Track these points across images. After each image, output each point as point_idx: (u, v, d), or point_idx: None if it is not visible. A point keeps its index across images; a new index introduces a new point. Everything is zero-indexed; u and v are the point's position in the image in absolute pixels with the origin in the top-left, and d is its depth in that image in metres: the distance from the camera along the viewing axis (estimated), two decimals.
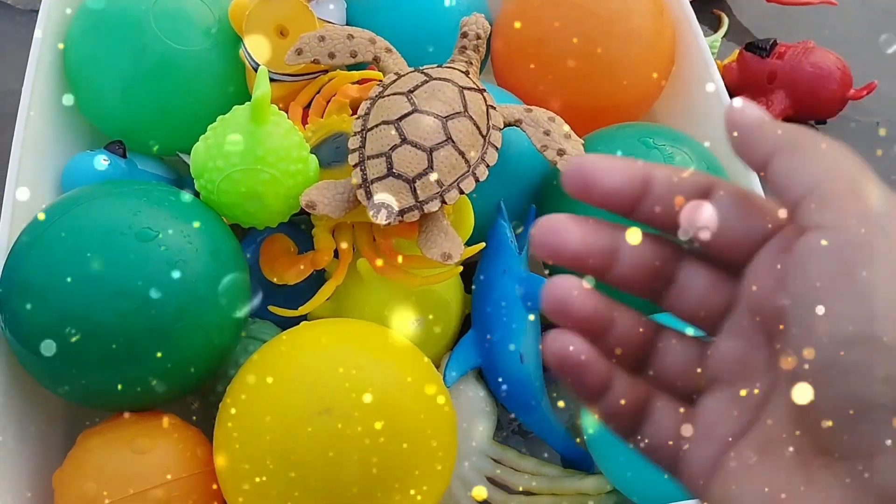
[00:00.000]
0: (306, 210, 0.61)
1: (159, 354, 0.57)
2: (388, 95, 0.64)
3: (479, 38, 0.67)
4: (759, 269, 0.35)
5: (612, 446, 0.63)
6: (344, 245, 0.66)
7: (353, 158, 0.62)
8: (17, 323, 0.57)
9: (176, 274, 0.57)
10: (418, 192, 0.62)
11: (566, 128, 0.67)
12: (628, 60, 0.73)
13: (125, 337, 0.56)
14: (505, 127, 0.66)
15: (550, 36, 0.73)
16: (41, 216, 0.60)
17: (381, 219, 0.60)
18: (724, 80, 0.75)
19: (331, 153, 0.66)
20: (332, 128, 0.68)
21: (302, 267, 0.65)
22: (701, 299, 0.36)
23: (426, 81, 0.64)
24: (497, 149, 0.65)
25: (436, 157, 0.62)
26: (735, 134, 0.35)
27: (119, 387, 0.58)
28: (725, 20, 1.00)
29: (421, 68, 0.65)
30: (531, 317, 0.64)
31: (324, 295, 0.65)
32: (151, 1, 0.70)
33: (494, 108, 0.67)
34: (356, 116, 0.64)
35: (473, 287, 0.69)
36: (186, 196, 0.62)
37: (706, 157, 0.69)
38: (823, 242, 0.31)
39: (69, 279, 0.55)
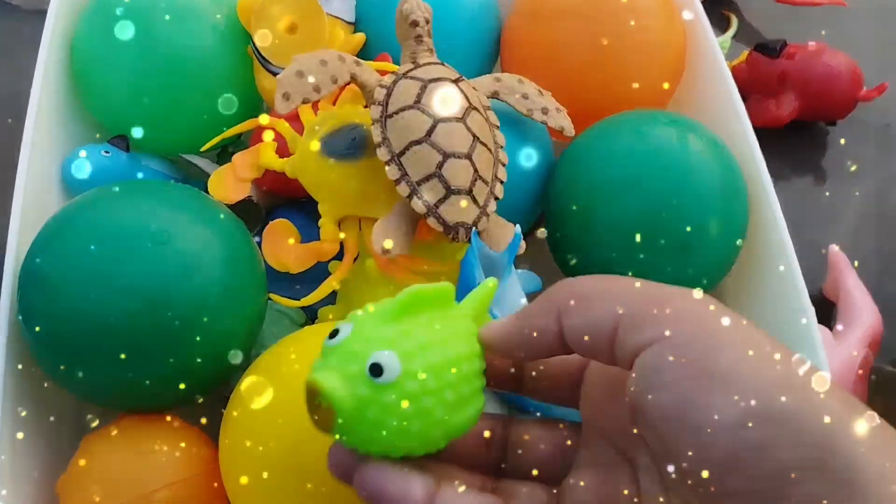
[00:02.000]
0: (383, 255, 0.60)
1: (166, 358, 0.56)
2: (399, 112, 0.62)
3: (428, 22, 0.66)
4: (595, 405, 0.36)
5: None
6: (349, 239, 0.65)
7: (402, 189, 0.61)
8: (31, 313, 0.57)
9: (187, 279, 0.56)
10: (477, 199, 0.62)
11: (534, 86, 0.69)
12: (638, 67, 0.73)
13: (132, 337, 0.55)
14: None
15: (561, 44, 0.73)
16: (62, 211, 0.60)
17: (462, 238, 0.60)
18: (734, 81, 0.74)
19: (344, 145, 0.64)
20: (346, 117, 0.66)
21: (306, 256, 0.64)
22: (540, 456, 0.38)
23: (424, 87, 0.63)
24: (498, 127, 0.66)
25: (476, 160, 0.62)
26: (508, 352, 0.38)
27: (122, 385, 0.57)
28: (734, 21, 0.99)
29: (403, 73, 0.64)
30: None
31: (326, 289, 0.64)
32: None
33: (476, 89, 0.67)
34: (372, 122, 0.62)
35: None
36: (207, 198, 0.62)
37: (714, 139, 0.68)
38: (667, 355, 0.30)
39: (82, 276, 0.55)
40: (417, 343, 0.36)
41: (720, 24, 1.00)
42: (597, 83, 0.72)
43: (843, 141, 0.92)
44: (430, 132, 0.62)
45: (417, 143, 0.61)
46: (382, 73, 0.68)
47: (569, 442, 0.38)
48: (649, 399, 0.31)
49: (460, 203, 0.61)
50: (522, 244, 0.65)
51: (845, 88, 0.88)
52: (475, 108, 0.64)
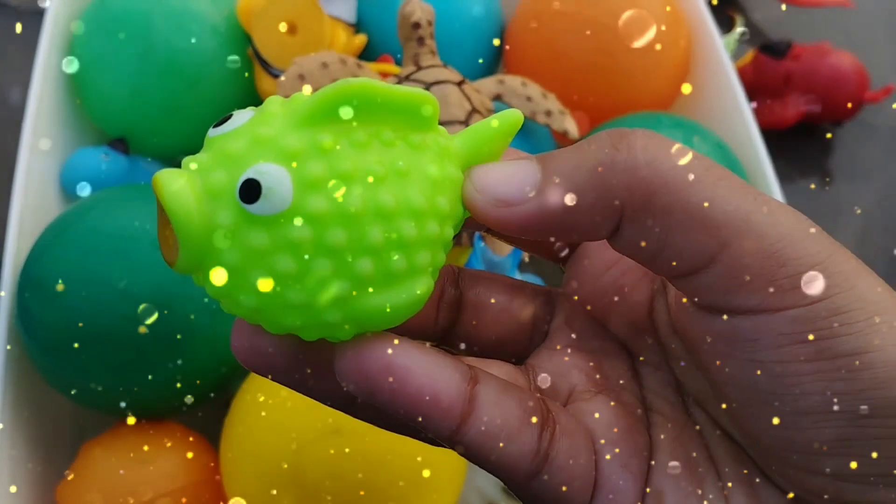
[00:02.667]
0: None
1: (166, 363, 0.55)
2: None
3: (430, 24, 0.65)
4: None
5: None
6: None
7: None
8: (30, 320, 0.57)
9: (187, 284, 0.55)
10: None
11: (539, 88, 0.68)
12: (643, 69, 0.72)
13: (131, 343, 0.54)
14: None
15: (565, 48, 0.72)
16: (62, 216, 0.59)
17: (465, 242, 0.60)
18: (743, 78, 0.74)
19: None
20: None
21: None
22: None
23: (426, 89, 0.62)
24: None
25: None
26: (500, 209, 0.25)
27: (122, 391, 0.57)
28: (740, 21, 0.98)
29: (405, 76, 0.63)
30: None
31: None
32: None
33: (479, 92, 0.66)
34: None
35: None
36: None
37: (718, 142, 0.67)
38: (785, 326, 0.24)
39: (81, 281, 0.55)
40: (337, 167, 0.23)
41: (726, 25, 0.99)
42: (601, 85, 0.72)
43: (849, 142, 0.92)
44: None
45: None
46: (384, 75, 0.67)
47: (538, 313, 0.31)
48: (725, 367, 0.25)
49: None
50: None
51: (851, 90, 0.87)
52: (478, 111, 0.63)
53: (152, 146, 0.72)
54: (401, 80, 0.63)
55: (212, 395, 0.61)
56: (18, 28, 0.71)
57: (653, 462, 0.27)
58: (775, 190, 0.66)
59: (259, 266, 0.23)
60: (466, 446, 0.25)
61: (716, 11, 0.95)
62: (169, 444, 0.58)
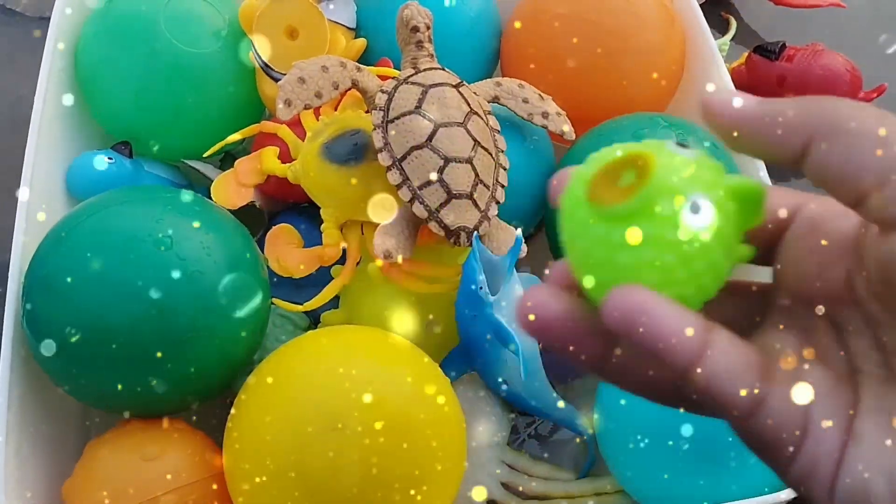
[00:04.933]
0: (385, 259, 0.60)
1: (169, 362, 0.56)
2: (400, 118, 0.62)
3: (428, 28, 0.66)
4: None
5: (617, 447, 0.63)
6: (352, 244, 0.65)
7: (404, 194, 0.61)
8: (35, 318, 0.58)
9: (190, 284, 0.56)
10: (479, 203, 0.62)
11: (535, 90, 0.70)
12: (638, 70, 0.73)
13: (135, 341, 0.56)
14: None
15: (561, 51, 0.73)
16: (67, 217, 0.60)
17: (464, 242, 0.61)
18: (733, 83, 0.75)
19: (347, 150, 0.65)
20: (347, 123, 0.66)
21: (308, 260, 0.65)
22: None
23: (424, 92, 0.63)
24: (499, 131, 0.67)
25: (476, 165, 0.63)
26: (735, 128, 0.32)
27: (128, 390, 0.57)
28: (733, 23, 0.99)
29: (404, 79, 0.64)
30: (511, 346, 0.62)
31: (329, 293, 0.65)
32: (162, 4, 0.70)
33: (477, 94, 0.67)
34: (374, 125, 0.63)
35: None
36: (209, 204, 0.63)
37: (713, 141, 0.68)
38: None
39: (86, 280, 0.56)
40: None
41: (719, 27, 1.01)
42: (597, 87, 0.73)
43: None
44: (430, 137, 0.62)
45: (418, 147, 0.62)
46: (384, 78, 0.68)
47: (756, 303, 0.36)
48: None
49: (461, 207, 0.62)
50: (524, 247, 0.66)
51: (845, 90, 0.88)
52: (476, 113, 0.65)
53: (156, 149, 0.73)
54: (400, 82, 0.64)
55: (216, 393, 0.62)
56: (37, 34, 0.72)
57: (854, 413, 0.32)
58: (766, 178, 0.67)
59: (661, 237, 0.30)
60: (697, 381, 0.30)
61: (710, 13, 0.96)
62: (173, 442, 0.59)
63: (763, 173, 0.68)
